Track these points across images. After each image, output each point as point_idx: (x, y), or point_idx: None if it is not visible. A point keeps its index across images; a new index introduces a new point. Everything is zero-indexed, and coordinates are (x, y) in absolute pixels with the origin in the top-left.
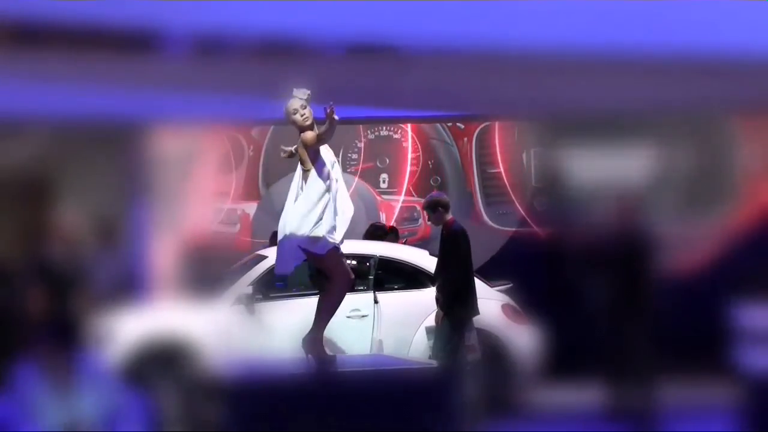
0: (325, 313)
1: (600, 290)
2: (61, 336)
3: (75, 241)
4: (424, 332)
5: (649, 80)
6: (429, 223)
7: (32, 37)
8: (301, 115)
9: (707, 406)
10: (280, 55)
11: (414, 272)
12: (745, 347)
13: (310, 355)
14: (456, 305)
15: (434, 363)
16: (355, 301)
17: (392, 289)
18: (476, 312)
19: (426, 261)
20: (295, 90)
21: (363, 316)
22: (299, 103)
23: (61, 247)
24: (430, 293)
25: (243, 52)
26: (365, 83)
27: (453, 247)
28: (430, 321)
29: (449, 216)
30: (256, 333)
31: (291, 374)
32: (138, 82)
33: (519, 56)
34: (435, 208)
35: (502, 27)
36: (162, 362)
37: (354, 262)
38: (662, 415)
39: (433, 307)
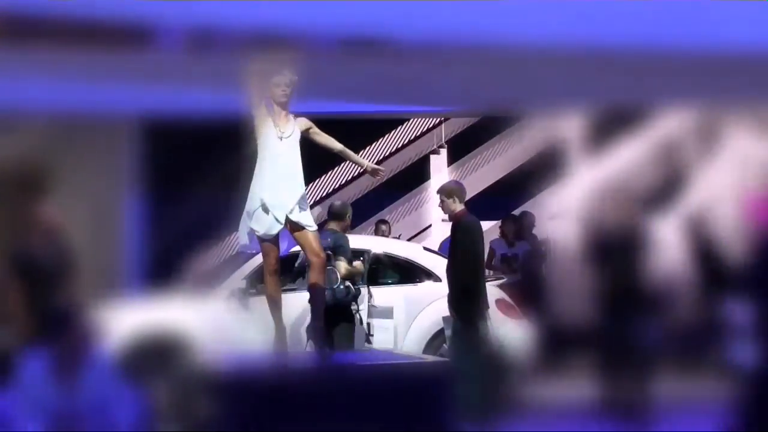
0: (321, 300)
1: (595, 284)
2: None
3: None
4: (417, 327)
5: (645, 76)
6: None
7: (26, 31)
8: (283, 91)
9: (702, 400)
10: (272, 49)
11: (408, 267)
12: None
13: (312, 342)
14: (465, 304)
15: (426, 358)
16: None
17: (386, 283)
18: (486, 306)
19: (420, 255)
20: (286, 71)
21: (357, 311)
22: (286, 80)
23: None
24: (424, 288)
25: (235, 46)
26: (357, 78)
27: (460, 241)
28: (427, 314)
29: (460, 207)
30: (249, 327)
31: (284, 368)
32: (132, 77)
33: (514, 51)
34: (447, 196)
35: (497, 21)
36: (156, 356)
37: None
38: (656, 409)
39: (427, 300)
